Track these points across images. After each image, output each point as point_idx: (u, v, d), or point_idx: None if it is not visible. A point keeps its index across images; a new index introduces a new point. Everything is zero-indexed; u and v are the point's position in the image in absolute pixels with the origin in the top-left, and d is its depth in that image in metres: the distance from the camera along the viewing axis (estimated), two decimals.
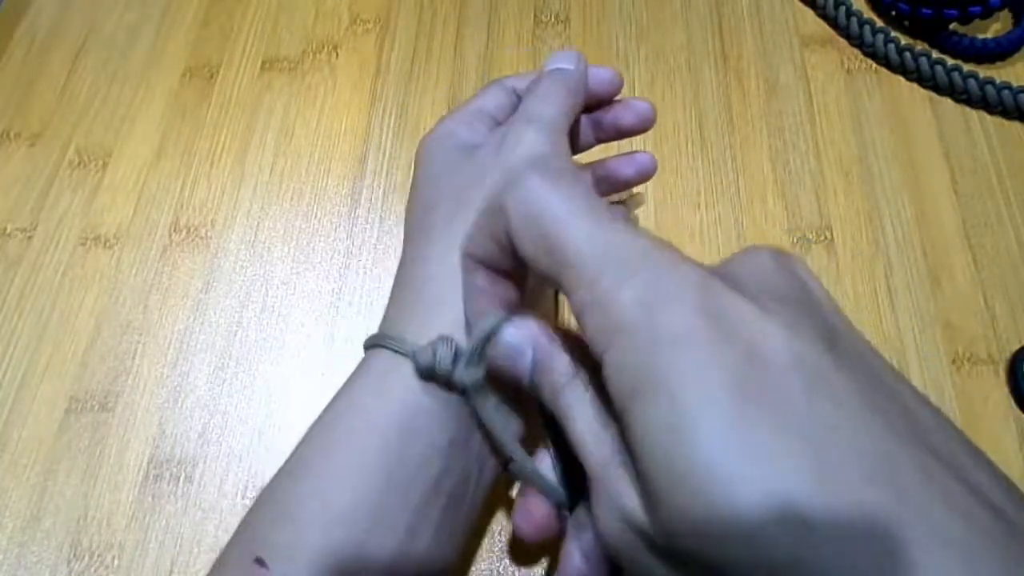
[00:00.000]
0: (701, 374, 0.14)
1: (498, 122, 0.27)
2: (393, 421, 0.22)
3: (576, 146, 0.30)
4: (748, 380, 0.14)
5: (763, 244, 0.18)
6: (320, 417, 0.24)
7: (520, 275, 0.21)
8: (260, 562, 0.20)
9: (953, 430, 0.16)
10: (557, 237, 0.17)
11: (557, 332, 0.20)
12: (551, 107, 0.26)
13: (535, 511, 0.21)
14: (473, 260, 0.21)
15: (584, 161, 0.32)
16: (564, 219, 0.17)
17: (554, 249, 0.17)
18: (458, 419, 0.22)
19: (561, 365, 0.19)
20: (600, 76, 0.28)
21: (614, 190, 0.32)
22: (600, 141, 0.30)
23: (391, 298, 0.26)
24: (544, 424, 0.22)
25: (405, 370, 0.22)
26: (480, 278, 0.21)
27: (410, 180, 0.39)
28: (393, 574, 0.21)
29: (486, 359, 0.21)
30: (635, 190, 0.37)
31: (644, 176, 0.31)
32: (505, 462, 0.23)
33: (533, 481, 0.22)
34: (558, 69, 0.27)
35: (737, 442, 0.14)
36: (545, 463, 0.22)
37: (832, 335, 0.16)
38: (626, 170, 0.30)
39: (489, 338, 0.21)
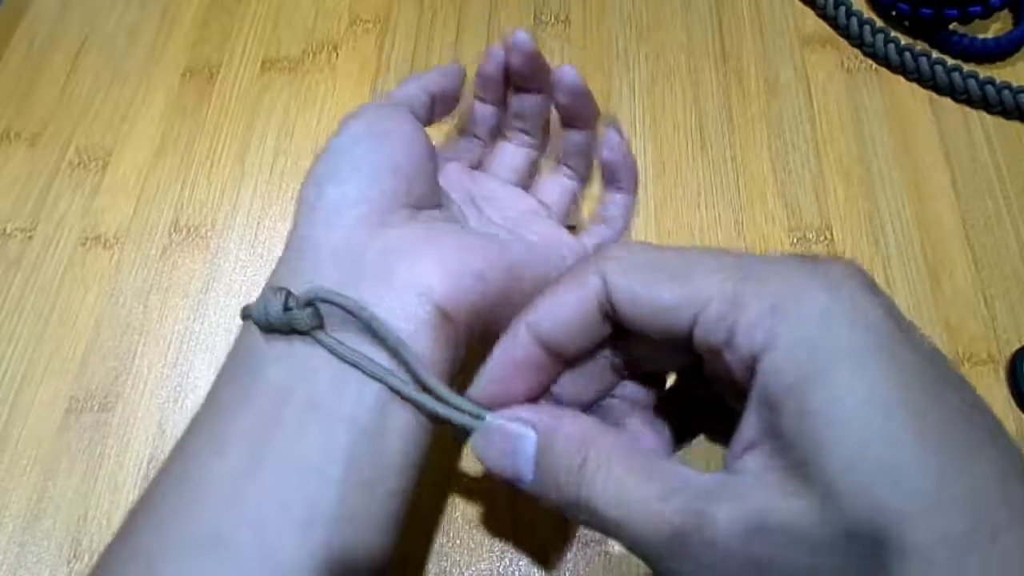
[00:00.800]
0: (890, 367, 0.14)
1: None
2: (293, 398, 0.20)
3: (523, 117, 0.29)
4: (931, 382, 0.14)
5: (841, 260, 0.17)
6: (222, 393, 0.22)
7: (564, 361, 0.19)
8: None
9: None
10: (677, 264, 0.17)
11: (557, 411, 0.19)
12: (409, 86, 0.26)
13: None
14: (532, 334, 0.19)
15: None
16: (673, 253, 0.17)
17: (674, 274, 0.17)
18: (372, 398, 0.20)
19: (574, 447, 0.17)
20: (509, 48, 0.27)
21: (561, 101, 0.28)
22: (566, 127, 0.29)
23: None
24: None
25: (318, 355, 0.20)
26: (522, 354, 0.19)
27: None
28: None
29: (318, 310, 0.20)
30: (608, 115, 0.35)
31: (574, 89, 0.27)
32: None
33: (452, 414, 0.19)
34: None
35: (936, 443, 0.14)
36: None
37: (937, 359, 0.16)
38: (560, 96, 0.28)
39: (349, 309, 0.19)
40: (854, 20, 0.41)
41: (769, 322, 0.15)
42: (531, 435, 0.18)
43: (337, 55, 0.42)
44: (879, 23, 0.42)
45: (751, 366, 0.15)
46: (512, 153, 0.30)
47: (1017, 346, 0.33)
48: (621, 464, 0.16)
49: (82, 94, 0.42)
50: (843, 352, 0.14)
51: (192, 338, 0.35)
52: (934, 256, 0.36)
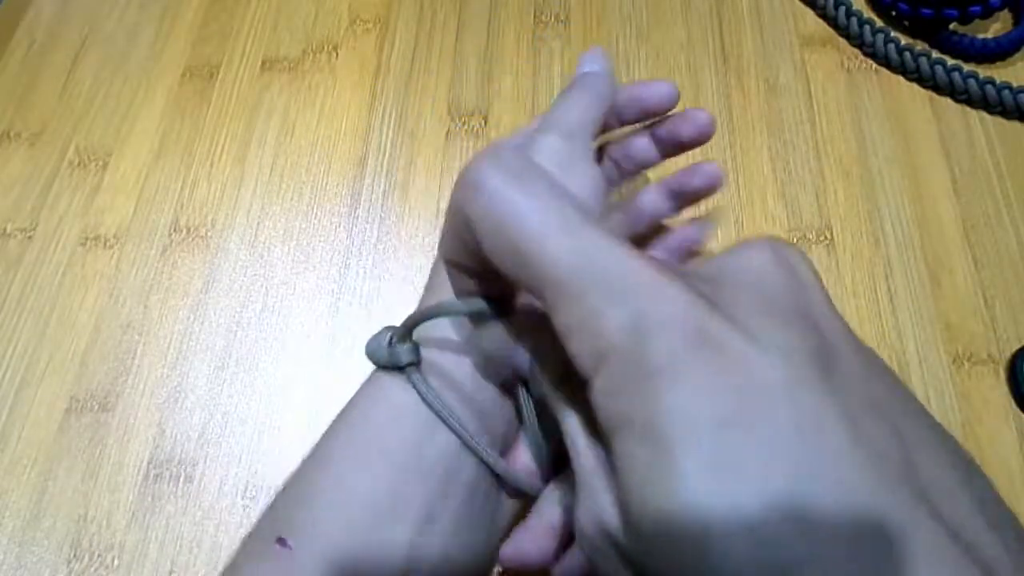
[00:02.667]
0: (687, 410, 0.14)
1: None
2: (411, 412, 0.22)
3: (634, 161, 0.29)
4: (736, 417, 0.14)
5: (764, 236, 0.17)
6: (345, 409, 0.24)
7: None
8: (282, 542, 0.20)
9: (944, 451, 0.15)
10: (530, 251, 0.16)
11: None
12: (574, 112, 0.25)
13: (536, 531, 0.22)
14: (451, 265, 0.21)
15: (653, 176, 0.31)
16: (536, 229, 0.16)
17: (529, 264, 0.16)
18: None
19: (558, 363, 0.19)
20: (655, 91, 0.27)
21: (677, 151, 0.29)
22: (665, 156, 0.29)
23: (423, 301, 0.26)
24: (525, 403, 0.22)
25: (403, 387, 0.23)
26: (461, 281, 0.21)
27: (411, 180, 0.39)
28: (410, 562, 0.21)
29: (413, 336, 0.22)
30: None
31: (703, 133, 0.27)
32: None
33: (503, 475, 0.22)
34: (585, 73, 0.27)
35: (718, 488, 0.13)
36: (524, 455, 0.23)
37: (828, 352, 0.15)
38: (684, 129, 0.28)
39: (427, 317, 0.21)
40: (854, 20, 0.41)
41: (593, 359, 0.15)
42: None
43: (337, 55, 0.42)
44: (879, 23, 0.41)
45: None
46: (654, 201, 0.30)
47: (1017, 346, 0.33)
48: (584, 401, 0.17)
49: (82, 94, 0.42)
50: (644, 403, 0.15)
51: (192, 338, 0.35)
52: (934, 256, 0.35)
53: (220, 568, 0.30)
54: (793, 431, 0.13)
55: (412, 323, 0.22)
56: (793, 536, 0.13)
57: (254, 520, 0.30)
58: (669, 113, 0.28)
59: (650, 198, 0.29)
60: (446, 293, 0.23)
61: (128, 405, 0.33)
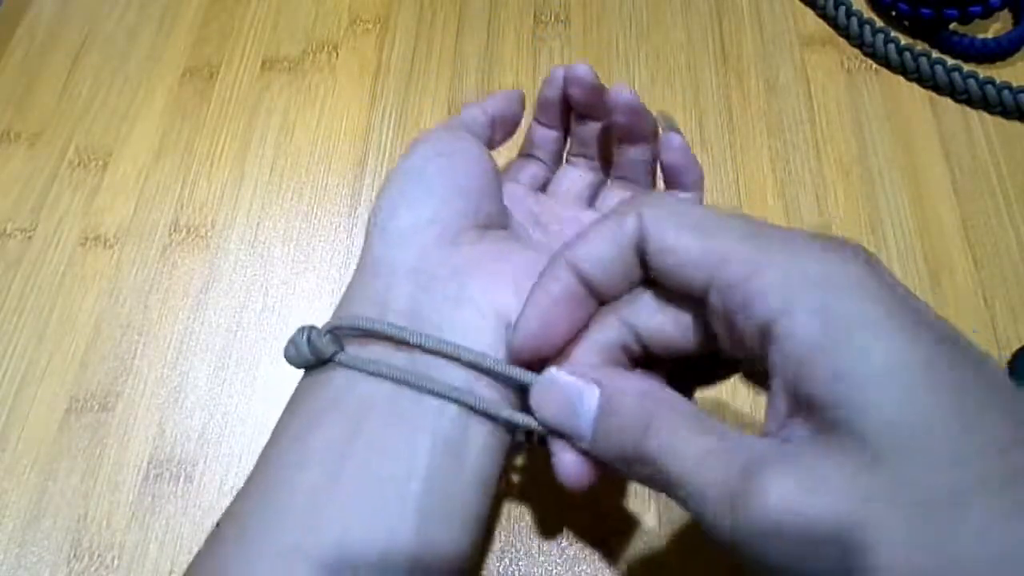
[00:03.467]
0: (912, 331, 0.15)
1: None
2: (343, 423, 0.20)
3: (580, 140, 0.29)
4: (954, 348, 0.15)
5: (851, 241, 0.17)
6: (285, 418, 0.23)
7: (602, 299, 0.20)
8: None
9: None
10: (703, 221, 0.17)
11: (620, 372, 0.19)
12: (463, 115, 0.27)
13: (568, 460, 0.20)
14: (571, 268, 0.19)
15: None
16: (702, 210, 0.18)
17: (700, 232, 0.17)
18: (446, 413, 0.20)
19: (637, 404, 0.17)
20: (574, 72, 0.27)
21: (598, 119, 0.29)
22: (621, 142, 0.29)
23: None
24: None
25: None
26: (558, 284, 0.19)
27: None
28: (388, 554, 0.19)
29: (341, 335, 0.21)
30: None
31: (628, 106, 0.27)
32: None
33: (501, 417, 0.20)
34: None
35: (956, 400, 0.14)
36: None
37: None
38: (615, 112, 0.27)
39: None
40: (854, 20, 0.41)
41: (784, 289, 0.15)
42: (594, 392, 0.18)
43: (337, 55, 0.42)
44: (879, 23, 0.42)
45: (765, 331, 0.16)
46: (575, 178, 0.30)
47: (1017, 346, 0.33)
48: (685, 424, 0.17)
49: (82, 94, 0.42)
50: (858, 319, 0.15)
51: (192, 338, 0.35)
52: (934, 256, 0.36)
53: None
54: (1003, 377, 0.15)
55: (334, 324, 0.21)
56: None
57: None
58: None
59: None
60: (366, 307, 0.22)
61: (128, 405, 0.33)
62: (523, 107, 0.29)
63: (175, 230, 0.38)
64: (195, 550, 0.31)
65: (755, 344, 0.16)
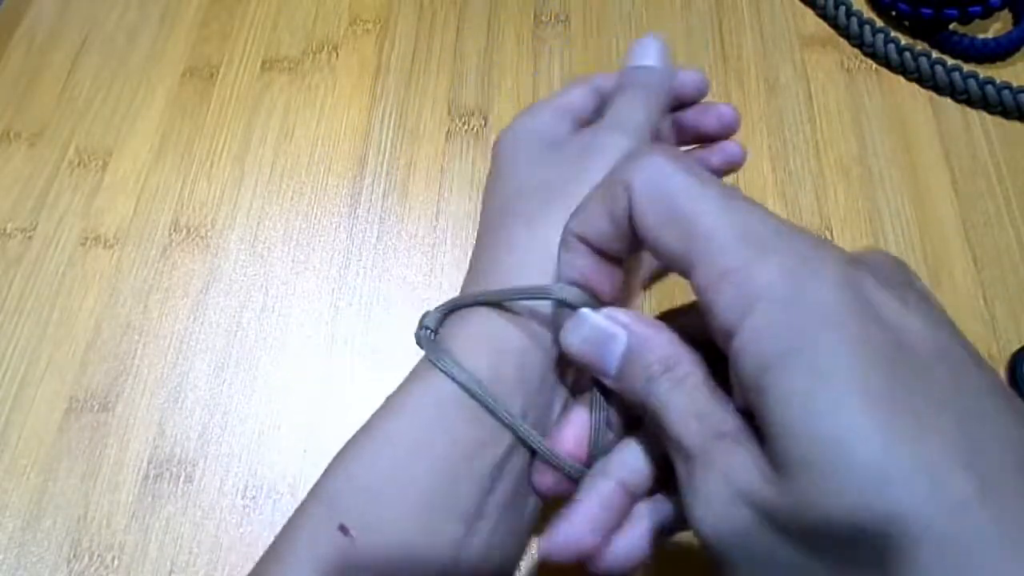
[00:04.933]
0: (850, 347, 0.14)
1: (580, 121, 0.27)
2: (454, 401, 0.22)
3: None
4: (895, 362, 0.15)
5: (884, 251, 0.18)
6: (396, 393, 0.23)
7: (621, 261, 0.21)
8: (344, 530, 0.20)
9: None
10: (687, 212, 0.17)
11: (651, 322, 0.20)
12: (637, 113, 0.25)
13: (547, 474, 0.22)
14: (578, 238, 0.20)
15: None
16: (695, 195, 0.17)
17: (683, 222, 0.17)
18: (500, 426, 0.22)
19: (657, 353, 0.19)
20: (687, 79, 0.28)
21: (695, 141, 0.30)
22: (681, 144, 0.30)
23: (469, 281, 0.25)
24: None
25: (446, 384, 0.22)
26: (580, 258, 0.20)
27: (411, 180, 0.39)
28: (456, 559, 0.21)
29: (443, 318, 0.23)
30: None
31: (727, 130, 0.29)
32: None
33: (548, 456, 0.22)
34: (642, 68, 0.26)
35: (886, 414, 0.14)
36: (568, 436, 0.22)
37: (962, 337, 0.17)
38: (708, 122, 0.29)
39: (459, 306, 0.22)
40: (854, 20, 0.41)
41: (742, 303, 0.16)
42: (622, 336, 0.19)
43: (337, 55, 0.42)
44: (879, 23, 0.41)
45: (727, 342, 0.16)
46: None
47: (1017, 346, 0.33)
48: (691, 383, 0.18)
49: (82, 94, 0.42)
50: (804, 338, 0.15)
51: (192, 338, 0.35)
52: (934, 256, 0.35)
53: (220, 568, 0.30)
54: (950, 382, 0.15)
55: (449, 305, 0.23)
56: (967, 477, 0.13)
57: (252, 520, 0.31)
58: (701, 103, 0.29)
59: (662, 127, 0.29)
60: (495, 278, 0.23)
61: (128, 405, 0.33)
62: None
63: (175, 230, 0.38)
64: (195, 550, 0.31)
65: (723, 342, 0.17)
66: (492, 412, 0.21)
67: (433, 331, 0.23)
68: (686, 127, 0.29)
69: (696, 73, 0.28)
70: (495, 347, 0.22)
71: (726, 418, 0.17)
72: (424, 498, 0.21)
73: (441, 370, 0.22)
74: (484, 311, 0.23)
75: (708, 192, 0.17)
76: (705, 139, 0.29)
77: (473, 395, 0.21)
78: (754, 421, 0.16)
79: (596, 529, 0.20)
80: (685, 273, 0.18)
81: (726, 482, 0.16)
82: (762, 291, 0.16)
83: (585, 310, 0.20)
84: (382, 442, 0.22)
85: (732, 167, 0.30)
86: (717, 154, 0.29)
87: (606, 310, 0.20)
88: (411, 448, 0.21)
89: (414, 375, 0.23)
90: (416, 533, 0.20)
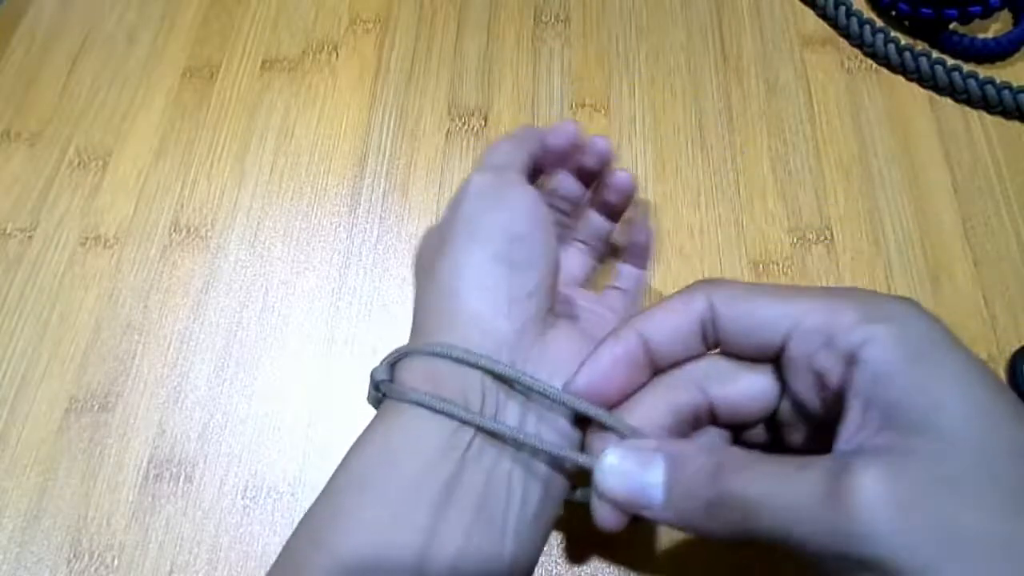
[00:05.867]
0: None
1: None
2: (420, 467, 0.21)
3: (562, 196, 0.31)
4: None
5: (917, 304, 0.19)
6: (354, 452, 0.22)
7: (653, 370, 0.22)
8: (321, 549, 0.20)
9: None
10: (780, 296, 0.20)
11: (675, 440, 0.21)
12: (500, 153, 0.27)
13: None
14: (638, 336, 0.21)
15: None
16: (774, 288, 0.20)
17: (782, 301, 0.20)
18: (490, 456, 0.22)
19: (704, 456, 0.19)
20: (555, 131, 0.29)
21: (592, 179, 0.31)
22: (588, 185, 0.31)
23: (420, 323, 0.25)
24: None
25: (424, 418, 0.22)
26: (623, 351, 0.21)
27: (411, 180, 0.39)
28: (422, 566, 0.20)
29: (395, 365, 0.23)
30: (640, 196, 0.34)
31: (601, 158, 0.30)
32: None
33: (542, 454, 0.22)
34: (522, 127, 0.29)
35: None
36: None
37: None
38: (587, 159, 0.30)
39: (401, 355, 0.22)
40: (854, 20, 0.41)
41: (864, 324, 0.18)
42: (660, 462, 0.19)
43: (337, 55, 0.42)
44: (879, 23, 0.42)
45: (850, 358, 0.18)
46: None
47: (1017, 346, 0.33)
48: (756, 461, 0.18)
49: (82, 94, 0.42)
50: (928, 342, 0.17)
51: (192, 338, 0.35)
52: (934, 256, 0.36)
53: (220, 568, 0.30)
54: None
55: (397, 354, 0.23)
56: None
57: (252, 520, 0.31)
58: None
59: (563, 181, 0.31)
60: (447, 336, 0.23)
61: (128, 405, 0.33)
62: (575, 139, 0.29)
63: (175, 230, 0.38)
64: (195, 550, 0.31)
65: (836, 374, 0.18)
66: (451, 414, 0.21)
67: (386, 381, 0.23)
68: (578, 168, 0.30)
69: (567, 123, 0.29)
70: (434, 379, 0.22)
71: (815, 463, 0.17)
72: (383, 504, 0.20)
73: (397, 399, 0.22)
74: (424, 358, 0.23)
75: (768, 284, 0.21)
76: (593, 174, 0.30)
77: (429, 405, 0.21)
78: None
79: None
80: (771, 340, 0.20)
81: (879, 484, 0.16)
82: (881, 319, 0.18)
83: (609, 451, 0.20)
84: (354, 463, 0.22)
85: (603, 160, 0.30)
86: (588, 154, 0.30)
87: (629, 443, 0.21)
88: (377, 463, 0.21)
89: (375, 421, 0.23)
90: (373, 541, 0.20)
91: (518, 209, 0.24)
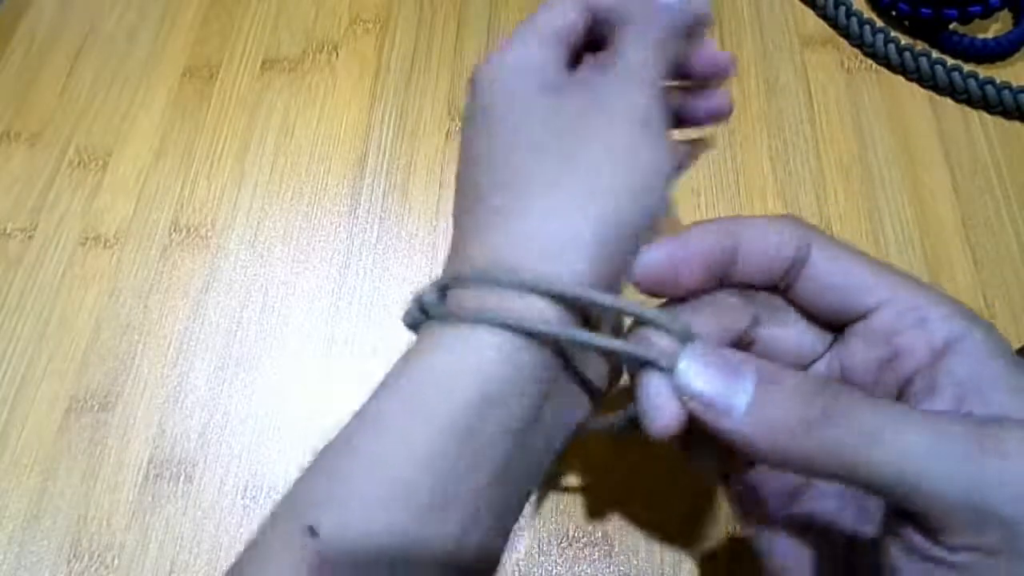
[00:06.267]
0: None
1: (573, 48, 0.22)
2: (469, 389, 0.18)
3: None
4: None
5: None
6: (393, 374, 0.20)
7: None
8: (311, 531, 0.18)
9: None
10: (876, 267, 0.19)
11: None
12: (649, 58, 0.21)
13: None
14: (733, 239, 0.19)
15: None
16: (871, 259, 0.19)
17: (878, 271, 0.19)
18: (535, 390, 0.19)
19: (804, 380, 0.17)
20: (697, 5, 0.23)
21: (684, 125, 0.26)
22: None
23: (455, 255, 0.21)
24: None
25: (484, 335, 0.18)
26: (708, 244, 0.19)
27: (411, 180, 0.39)
28: (453, 558, 0.18)
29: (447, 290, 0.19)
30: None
31: (721, 73, 0.24)
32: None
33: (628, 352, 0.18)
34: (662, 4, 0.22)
35: None
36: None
37: None
38: (701, 61, 0.24)
39: (463, 280, 0.19)
40: (854, 20, 0.41)
41: (957, 318, 0.18)
42: (750, 367, 0.17)
43: (337, 55, 0.42)
44: (879, 23, 0.41)
45: (946, 346, 0.18)
46: None
47: (1017, 346, 0.33)
48: (871, 405, 0.16)
49: (82, 94, 0.42)
50: (1005, 345, 0.17)
51: (192, 338, 0.35)
52: (934, 256, 0.36)
53: (220, 568, 0.30)
54: None
55: (446, 278, 0.19)
56: None
57: (252, 520, 0.31)
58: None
59: None
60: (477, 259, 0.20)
61: (128, 405, 0.33)
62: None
63: (175, 230, 0.38)
64: (195, 550, 0.31)
65: (919, 357, 0.18)
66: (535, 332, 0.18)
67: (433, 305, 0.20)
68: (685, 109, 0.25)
69: (724, 55, 0.24)
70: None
71: (951, 416, 0.17)
72: (407, 492, 0.18)
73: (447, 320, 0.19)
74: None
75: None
76: (692, 77, 0.25)
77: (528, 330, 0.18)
78: None
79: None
80: (856, 304, 0.19)
81: None
82: (966, 315, 0.18)
83: (704, 337, 0.18)
84: (370, 413, 0.19)
85: (719, 117, 0.26)
86: (705, 100, 0.25)
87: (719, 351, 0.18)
88: (400, 427, 0.18)
89: (421, 344, 0.20)
90: (397, 530, 0.17)
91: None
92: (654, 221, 0.20)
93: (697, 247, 0.19)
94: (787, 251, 0.19)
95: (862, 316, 0.19)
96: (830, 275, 0.19)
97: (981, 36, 0.40)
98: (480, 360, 0.18)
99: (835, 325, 0.20)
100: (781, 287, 0.20)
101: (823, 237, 0.20)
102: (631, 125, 0.20)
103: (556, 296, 0.19)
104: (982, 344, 0.17)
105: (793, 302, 0.20)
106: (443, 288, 0.20)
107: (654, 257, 0.19)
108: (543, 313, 0.19)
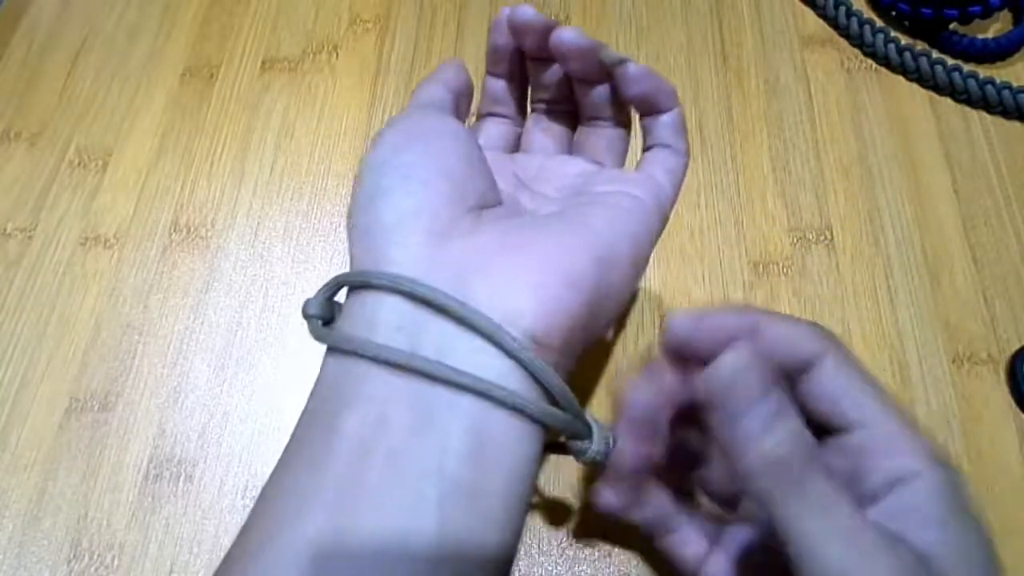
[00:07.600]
0: None
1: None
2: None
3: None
4: None
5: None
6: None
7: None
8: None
9: None
10: (867, 390, 0.21)
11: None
12: (422, 92, 0.25)
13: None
14: (757, 341, 0.21)
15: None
16: (874, 381, 0.21)
17: (867, 395, 0.21)
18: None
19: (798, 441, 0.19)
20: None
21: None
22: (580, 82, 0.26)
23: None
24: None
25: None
26: (744, 351, 0.20)
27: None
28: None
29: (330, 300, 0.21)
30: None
31: (577, 53, 0.24)
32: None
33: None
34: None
35: None
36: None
37: None
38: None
39: (340, 286, 0.20)
40: (854, 20, 0.41)
41: (922, 457, 0.19)
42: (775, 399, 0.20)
43: (337, 55, 0.42)
44: (879, 23, 0.42)
45: (898, 478, 0.19)
46: (545, 128, 0.27)
47: (1017, 346, 0.33)
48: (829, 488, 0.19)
49: (82, 94, 0.42)
50: (954, 491, 0.19)
51: (192, 338, 0.35)
52: (934, 256, 0.36)
53: None
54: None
55: (330, 287, 0.21)
56: None
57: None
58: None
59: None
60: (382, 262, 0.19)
61: (128, 405, 0.33)
62: (469, 74, 0.26)
63: (175, 230, 0.38)
64: (195, 550, 0.31)
65: (879, 481, 0.19)
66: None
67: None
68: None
69: (524, 8, 0.25)
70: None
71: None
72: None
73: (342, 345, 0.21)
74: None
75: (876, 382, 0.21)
76: (573, 74, 0.26)
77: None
78: None
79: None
80: (844, 418, 0.20)
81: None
82: (927, 455, 0.19)
83: (743, 347, 0.20)
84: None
85: (649, 93, 0.25)
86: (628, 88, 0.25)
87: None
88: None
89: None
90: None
91: (445, 145, 0.21)
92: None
93: (720, 324, 0.22)
94: (801, 354, 0.21)
95: (844, 430, 0.20)
96: (833, 389, 0.21)
97: (981, 36, 0.40)
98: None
99: (820, 432, 0.21)
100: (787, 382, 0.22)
101: (840, 351, 0.21)
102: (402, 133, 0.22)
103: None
104: (935, 485, 0.19)
105: (794, 398, 0.22)
106: (333, 292, 0.22)
107: (683, 324, 0.22)
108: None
